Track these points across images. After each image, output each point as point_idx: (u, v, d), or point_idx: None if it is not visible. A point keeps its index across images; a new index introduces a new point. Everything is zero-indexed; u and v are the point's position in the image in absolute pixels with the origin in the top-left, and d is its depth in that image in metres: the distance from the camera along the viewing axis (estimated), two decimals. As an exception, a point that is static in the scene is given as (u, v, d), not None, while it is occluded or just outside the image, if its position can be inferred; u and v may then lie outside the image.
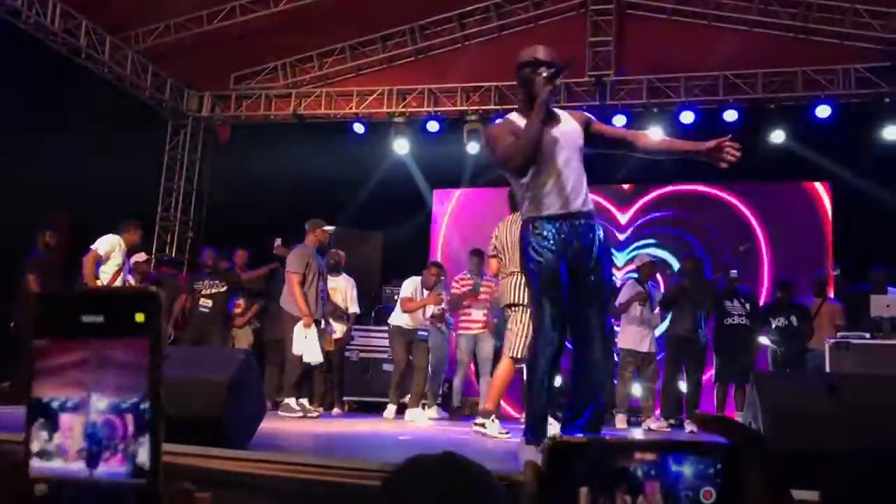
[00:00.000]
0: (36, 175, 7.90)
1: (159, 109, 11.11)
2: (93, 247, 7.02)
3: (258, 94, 11.24)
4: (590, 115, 3.53)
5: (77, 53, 9.35)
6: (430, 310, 7.89)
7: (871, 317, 7.21)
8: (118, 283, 7.00)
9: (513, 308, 5.39)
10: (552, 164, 3.28)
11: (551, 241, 3.22)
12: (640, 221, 10.87)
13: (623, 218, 10.99)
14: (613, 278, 3.13)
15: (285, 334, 7.13)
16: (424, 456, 1.31)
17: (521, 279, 5.09)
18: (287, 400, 6.92)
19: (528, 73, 3.43)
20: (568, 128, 3.39)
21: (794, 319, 8.13)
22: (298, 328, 6.79)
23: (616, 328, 8.09)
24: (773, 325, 8.27)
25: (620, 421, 7.85)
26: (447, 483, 1.26)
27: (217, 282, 8.30)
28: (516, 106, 10.68)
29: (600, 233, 3.34)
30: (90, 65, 9.59)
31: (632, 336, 7.96)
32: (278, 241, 8.17)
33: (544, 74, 3.31)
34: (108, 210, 7.41)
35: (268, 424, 4.38)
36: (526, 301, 5.15)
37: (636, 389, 8.17)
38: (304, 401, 7.00)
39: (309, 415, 6.85)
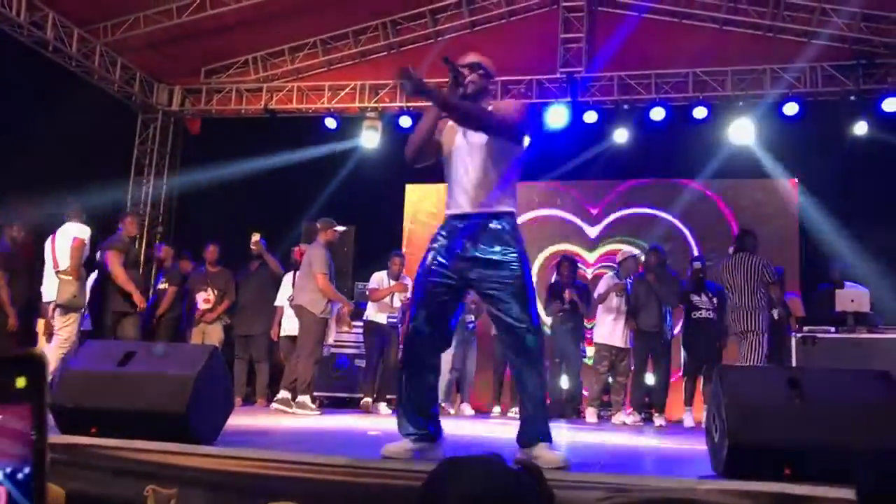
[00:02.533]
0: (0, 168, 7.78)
1: (129, 103, 11.00)
2: (76, 235, 6.92)
3: (229, 89, 11.16)
4: (503, 107, 3.46)
5: (44, 46, 9.21)
6: (398, 298, 8.06)
7: (835, 311, 7.34)
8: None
9: (744, 335, 6.76)
10: (459, 164, 3.30)
11: (445, 239, 3.28)
12: (610, 216, 10.99)
13: (594, 212, 11.09)
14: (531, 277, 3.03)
15: (304, 332, 7.16)
16: (462, 458, 1.31)
17: (750, 311, 6.70)
18: (301, 397, 6.95)
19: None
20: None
21: (774, 313, 8.20)
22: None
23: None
24: None
25: (591, 415, 7.92)
26: (488, 484, 1.26)
27: (162, 279, 8.27)
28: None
29: (507, 237, 3.26)
30: (57, 58, 9.46)
31: (608, 330, 8.02)
32: (256, 237, 8.13)
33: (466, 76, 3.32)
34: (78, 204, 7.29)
35: (236, 420, 4.36)
36: (753, 328, 6.74)
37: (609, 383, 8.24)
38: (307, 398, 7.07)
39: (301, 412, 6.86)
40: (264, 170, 10.14)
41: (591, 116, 9.91)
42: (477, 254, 3.22)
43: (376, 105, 10.75)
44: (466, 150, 3.31)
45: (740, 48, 9.77)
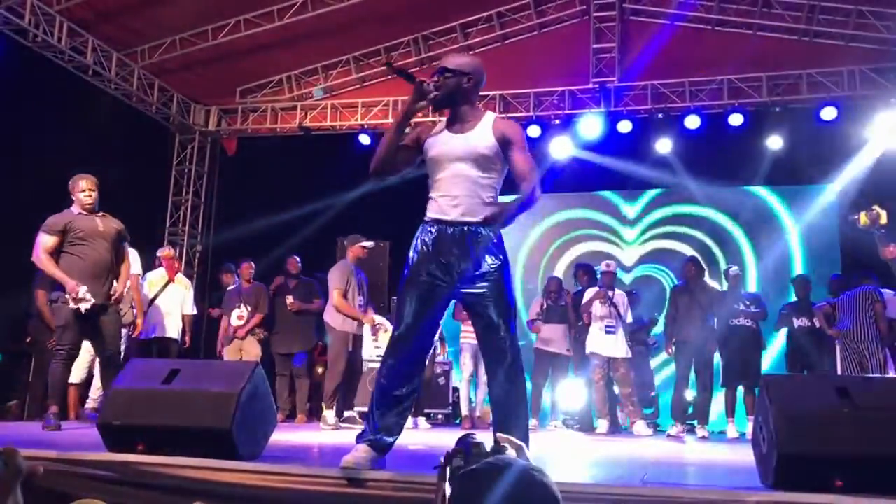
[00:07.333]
0: (44, 191, 7.93)
1: (166, 124, 11.18)
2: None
3: (264, 108, 11.30)
4: (512, 137, 3.28)
5: (84, 71, 9.42)
6: None
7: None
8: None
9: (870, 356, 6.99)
10: (443, 169, 3.28)
11: (429, 245, 3.24)
12: (647, 218, 11.04)
13: (630, 214, 11.09)
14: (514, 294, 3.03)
15: (330, 347, 7.29)
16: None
17: (872, 341, 6.93)
18: (325, 412, 7.03)
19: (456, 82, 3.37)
20: (474, 135, 3.30)
21: (816, 321, 8.05)
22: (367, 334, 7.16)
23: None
24: (796, 325, 8.20)
25: (602, 427, 7.85)
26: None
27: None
28: (521, 113, 10.70)
29: (490, 246, 3.23)
30: (97, 82, 9.66)
31: (597, 340, 7.98)
32: (290, 299, 8.22)
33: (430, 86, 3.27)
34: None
35: (280, 437, 4.39)
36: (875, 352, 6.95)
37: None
38: (354, 412, 7.11)
39: (353, 426, 6.86)
40: (300, 186, 10.22)
41: (625, 126, 9.83)
42: (464, 261, 3.21)
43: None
44: (458, 158, 3.28)
45: (775, 53, 9.65)
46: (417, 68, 10.76)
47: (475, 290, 3.21)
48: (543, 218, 11.46)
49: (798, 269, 10.08)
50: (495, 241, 3.27)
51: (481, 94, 11.03)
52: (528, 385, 8.44)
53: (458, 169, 3.26)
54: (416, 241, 3.32)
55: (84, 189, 5.67)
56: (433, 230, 3.26)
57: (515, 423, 3.19)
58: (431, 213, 3.31)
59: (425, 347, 3.34)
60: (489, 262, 3.22)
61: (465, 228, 3.22)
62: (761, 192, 10.60)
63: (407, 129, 3.59)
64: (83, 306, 5.30)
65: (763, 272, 10.34)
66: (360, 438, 3.26)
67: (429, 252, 3.25)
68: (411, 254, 3.31)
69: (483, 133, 3.29)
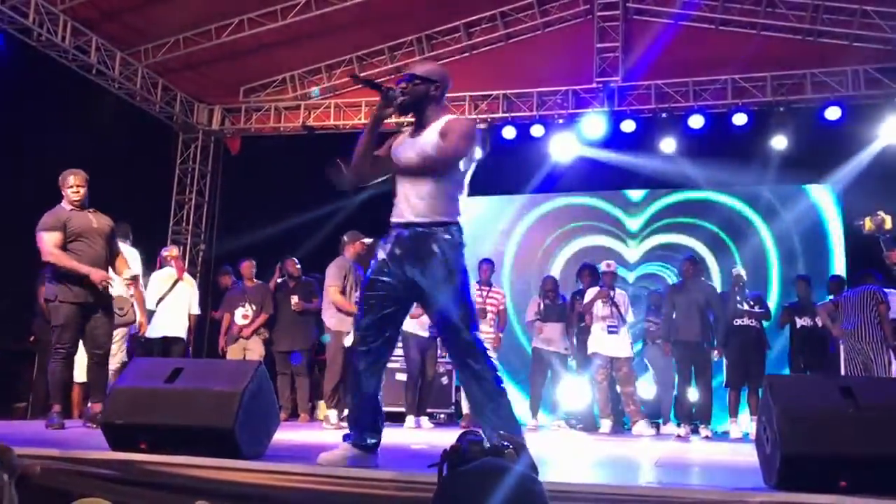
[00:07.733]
0: (46, 191, 7.93)
1: (170, 123, 11.19)
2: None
3: (267, 107, 11.31)
4: (449, 129, 3.33)
5: (88, 70, 9.43)
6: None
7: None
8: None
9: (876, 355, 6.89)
10: (400, 173, 3.37)
11: (388, 249, 3.33)
12: (649, 228, 10.91)
13: (634, 223, 11.01)
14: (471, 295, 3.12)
15: (328, 347, 7.26)
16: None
17: (878, 342, 6.85)
18: (327, 412, 7.04)
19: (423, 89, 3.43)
20: (424, 136, 3.39)
21: (818, 320, 8.03)
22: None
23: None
24: (798, 325, 8.18)
25: (605, 427, 7.86)
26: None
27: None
28: (524, 113, 10.69)
29: (444, 246, 3.27)
30: (101, 81, 9.68)
31: (599, 339, 7.99)
32: (295, 299, 8.21)
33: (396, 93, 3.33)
34: (119, 224, 7.40)
35: (282, 436, 4.38)
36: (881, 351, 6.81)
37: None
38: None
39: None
40: (304, 185, 10.21)
41: (629, 125, 9.82)
42: (420, 263, 3.27)
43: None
44: (409, 161, 3.37)
45: (779, 53, 9.63)
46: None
47: (433, 291, 3.27)
48: (534, 207, 11.23)
49: (839, 264, 9.91)
50: (453, 241, 3.31)
51: (486, 93, 11.03)
52: (527, 385, 8.54)
53: (411, 171, 3.34)
54: (378, 246, 3.42)
55: (72, 185, 5.55)
56: (393, 234, 3.35)
57: (493, 421, 3.22)
58: (392, 217, 3.41)
59: (389, 349, 3.43)
60: (445, 263, 3.26)
61: (420, 230, 3.29)
62: (765, 190, 10.49)
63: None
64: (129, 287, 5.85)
65: (785, 266, 10.19)
66: (346, 438, 3.37)
67: (388, 256, 3.33)
68: (375, 257, 3.40)
69: (431, 134, 3.37)
